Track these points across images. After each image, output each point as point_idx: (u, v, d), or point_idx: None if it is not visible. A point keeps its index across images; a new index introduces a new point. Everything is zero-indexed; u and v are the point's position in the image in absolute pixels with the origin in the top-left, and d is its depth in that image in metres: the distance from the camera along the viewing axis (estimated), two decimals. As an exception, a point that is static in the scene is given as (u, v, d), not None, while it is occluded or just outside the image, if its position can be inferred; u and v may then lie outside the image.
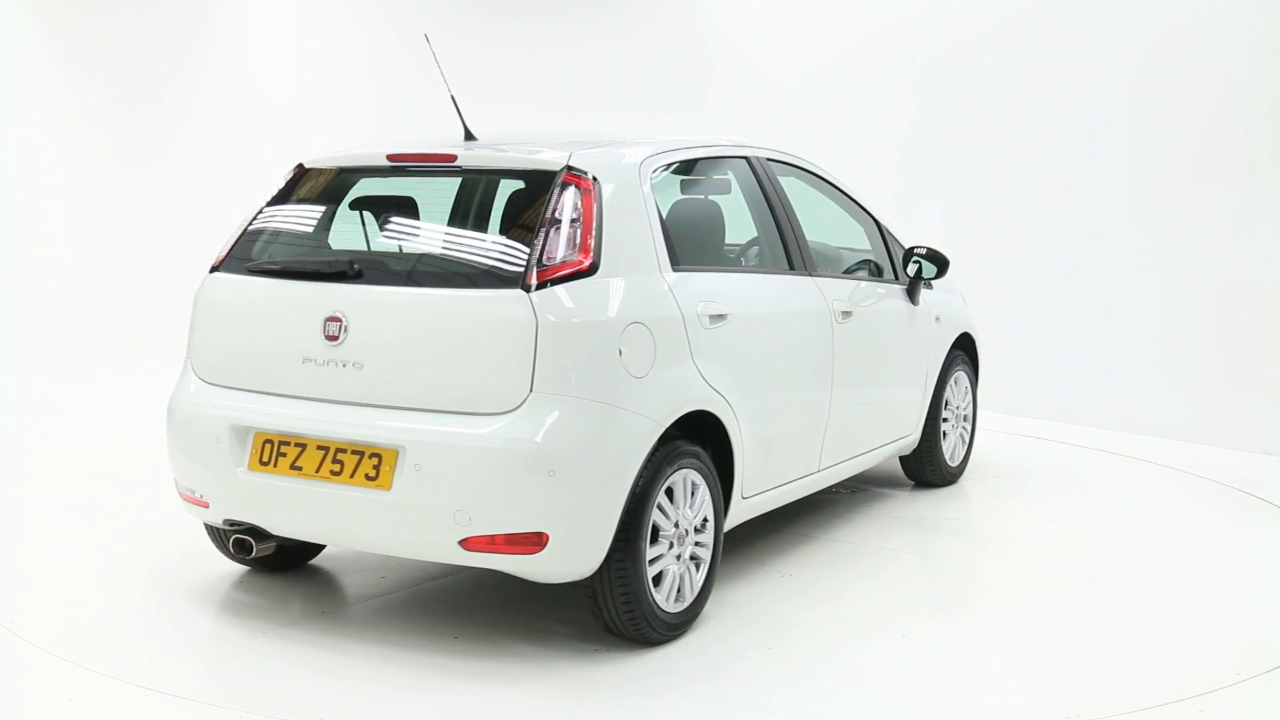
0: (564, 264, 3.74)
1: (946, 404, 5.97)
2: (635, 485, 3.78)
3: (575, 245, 3.78)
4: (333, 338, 3.84)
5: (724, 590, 4.51)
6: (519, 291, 3.66)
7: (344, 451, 3.79)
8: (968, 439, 6.24)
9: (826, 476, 5.07)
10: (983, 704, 3.62)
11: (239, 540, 4.12)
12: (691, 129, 9.00)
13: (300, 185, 4.39)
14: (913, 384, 5.66)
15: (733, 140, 4.98)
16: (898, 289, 5.54)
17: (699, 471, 4.07)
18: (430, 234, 4.26)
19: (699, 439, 4.15)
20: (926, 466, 5.96)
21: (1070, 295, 7.83)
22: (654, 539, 3.90)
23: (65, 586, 4.60)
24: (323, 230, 4.31)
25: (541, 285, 3.68)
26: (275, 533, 4.04)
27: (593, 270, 3.78)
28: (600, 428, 3.70)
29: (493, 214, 4.50)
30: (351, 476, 3.76)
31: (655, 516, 3.88)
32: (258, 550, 4.13)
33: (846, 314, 4.98)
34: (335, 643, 4.00)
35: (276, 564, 4.62)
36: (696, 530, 4.09)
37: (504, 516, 3.63)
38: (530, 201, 3.91)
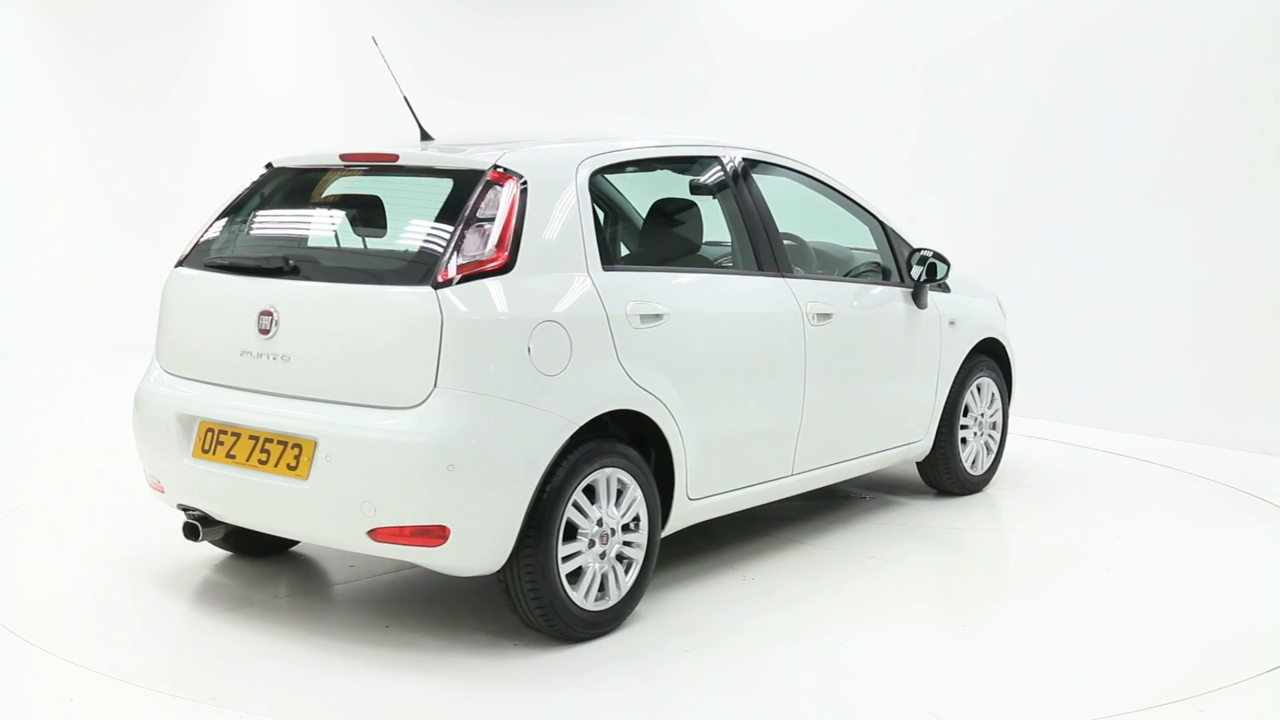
0: (478, 262, 3.82)
1: (967, 411, 5.82)
2: (546, 482, 3.82)
3: (492, 243, 3.85)
4: (265, 331, 4.01)
5: (673, 591, 4.51)
6: (427, 289, 3.76)
7: (271, 441, 3.93)
8: (995, 447, 6.05)
9: (806, 480, 4.99)
10: (871, 714, 3.55)
11: (188, 524, 4.25)
12: (677, 129, 9.01)
13: (267, 183, 4.55)
14: (919, 389, 5.52)
15: (702, 140, 4.92)
16: (899, 291, 5.43)
17: (629, 471, 4.08)
18: (368, 232, 4.36)
19: (642, 439, 4.18)
20: (943, 474, 5.81)
21: (1071, 294, 7.83)
22: (572, 536, 3.93)
23: (65, 586, 4.61)
24: (280, 227, 4.46)
25: (450, 283, 3.76)
26: (218, 518, 4.20)
27: (508, 268, 3.84)
28: (504, 424, 3.75)
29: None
30: (276, 466, 3.91)
31: (571, 514, 3.91)
32: (204, 535, 4.26)
33: (824, 316, 4.89)
34: (273, 629, 4.15)
35: (264, 549, 4.80)
36: (626, 530, 4.10)
37: (406, 509, 3.71)
38: (460, 200, 3.98)
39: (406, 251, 4.03)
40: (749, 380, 4.62)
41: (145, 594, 4.47)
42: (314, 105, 11.58)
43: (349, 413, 3.80)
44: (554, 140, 4.41)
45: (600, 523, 4.00)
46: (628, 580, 4.13)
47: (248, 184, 4.59)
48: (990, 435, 6.02)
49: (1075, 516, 5.67)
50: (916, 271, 5.41)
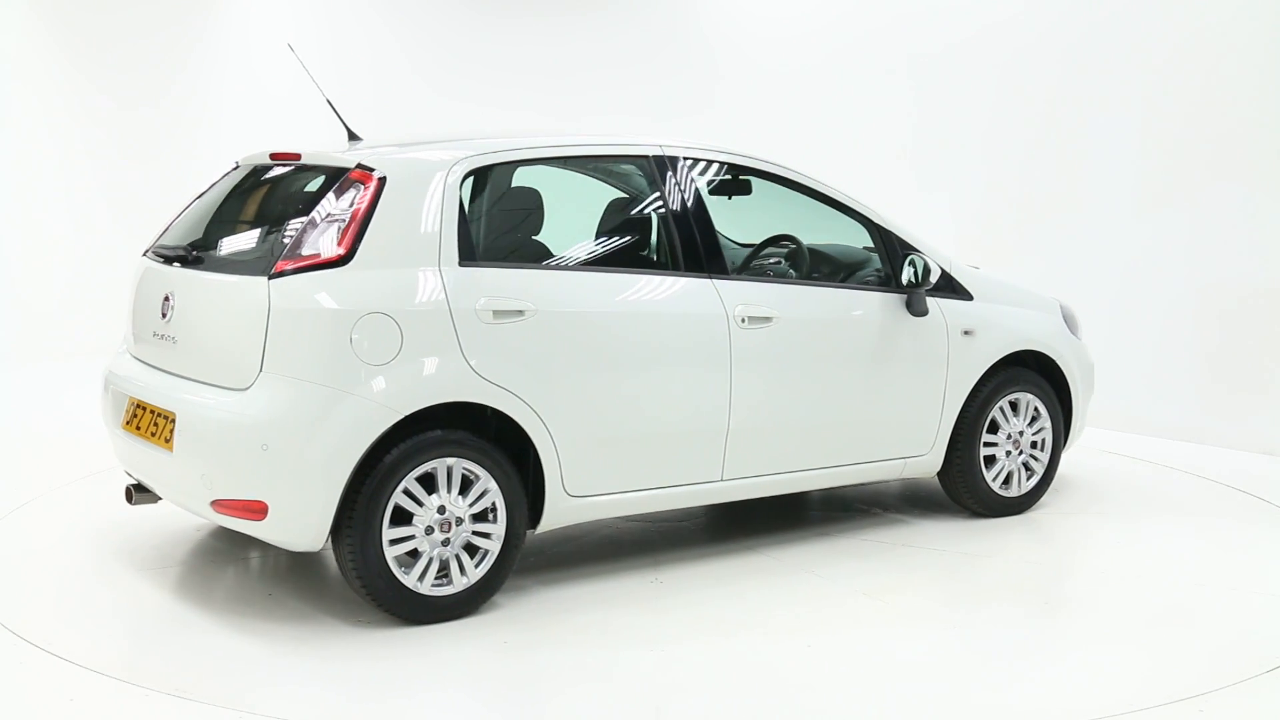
0: (315, 255, 4.03)
1: (997, 428, 5.48)
2: (370, 466, 3.99)
3: (333, 238, 4.05)
4: (164, 315, 4.41)
5: (563, 586, 4.54)
6: (261, 279, 4.02)
7: (160, 416, 4.28)
8: (1040, 470, 5.62)
9: (747, 487, 4.85)
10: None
11: (127, 489, 4.65)
12: (677, 130, 8.99)
13: (226, 179, 4.87)
14: (916, 400, 5.22)
15: (623, 139, 4.83)
16: (883, 297, 5.14)
17: (480, 463, 4.16)
18: (261, 225, 4.53)
19: (521, 434, 4.27)
20: (964, 492, 5.48)
21: (1070, 293, 7.81)
22: (407, 521, 4.07)
23: (65, 586, 4.62)
24: (211, 219, 4.71)
25: (283, 274, 4.00)
26: (145, 485, 4.56)
27: (344, 262, 4.02)
28: (319, 409, 3.94)
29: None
30: (158, 438, 4.26)
31: (401, 499, 4.05)
32: (135, 500, 4.61)
33: (760, 319, 4.73)
34: (205, 595, 4.49)
35: None
36: (481, 519, 4.19)
37: (231, 484, 4.02)
38: (321, 196, 4.21)
39: (267, 243, 4.27)
40: (645, 380, 4.53)
41: (146, 594, 4.48)
42: (314, 104, 11.56)
43: (201, 391, 4.14)
44: (456, 140, 4.48)
45: (442, 510, 4.09)
46: (478, 570, 4.20)
47: (215, 179, 4.92)
48: (1032, 455, 5.61)
49: (1084, 531, 5.54)
50: (905, 275, 5.15)
